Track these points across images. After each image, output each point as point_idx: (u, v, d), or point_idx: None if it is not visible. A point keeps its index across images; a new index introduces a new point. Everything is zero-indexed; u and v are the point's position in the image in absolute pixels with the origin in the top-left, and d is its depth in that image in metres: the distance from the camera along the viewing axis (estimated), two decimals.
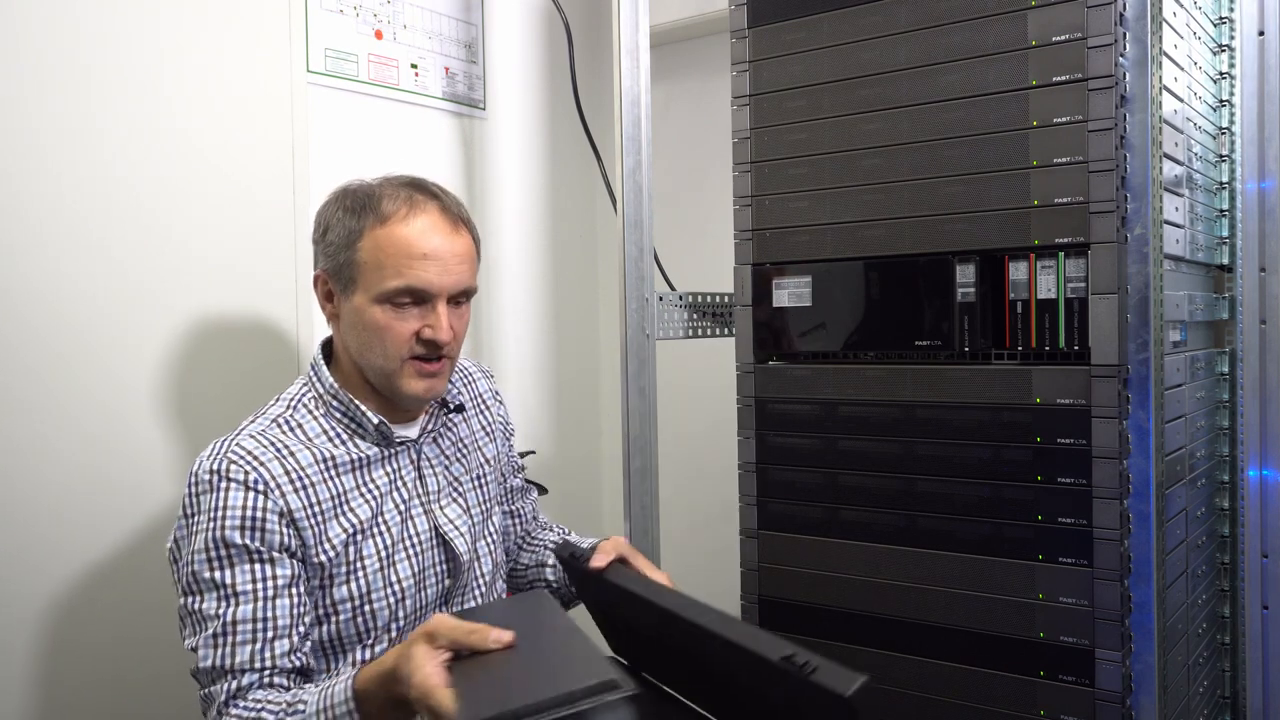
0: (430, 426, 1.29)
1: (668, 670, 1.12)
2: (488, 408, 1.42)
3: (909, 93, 1.29)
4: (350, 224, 1.21)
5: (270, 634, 1.10)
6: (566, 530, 1.52)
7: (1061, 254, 1.20)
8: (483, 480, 1.36)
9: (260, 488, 1.12)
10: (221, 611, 1.09)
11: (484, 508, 1.34)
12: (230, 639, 1.08)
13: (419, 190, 1.24)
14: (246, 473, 1.12)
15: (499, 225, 2.04)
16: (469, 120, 1.97)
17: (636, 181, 1.50)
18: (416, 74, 1.86)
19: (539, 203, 2.13)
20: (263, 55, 1.59)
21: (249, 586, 1.10)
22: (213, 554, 1.10)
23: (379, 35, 1.79)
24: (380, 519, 1.20)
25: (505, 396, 2.01)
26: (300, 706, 1.04)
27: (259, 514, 1.12)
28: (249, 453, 1.14)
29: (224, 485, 1.12)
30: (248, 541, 1.10)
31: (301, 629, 1.12)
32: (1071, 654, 1.20)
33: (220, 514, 1.11)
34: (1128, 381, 1.16)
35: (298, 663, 1.11)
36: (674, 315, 1.61)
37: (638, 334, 1.50)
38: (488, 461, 1.38)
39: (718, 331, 1.69)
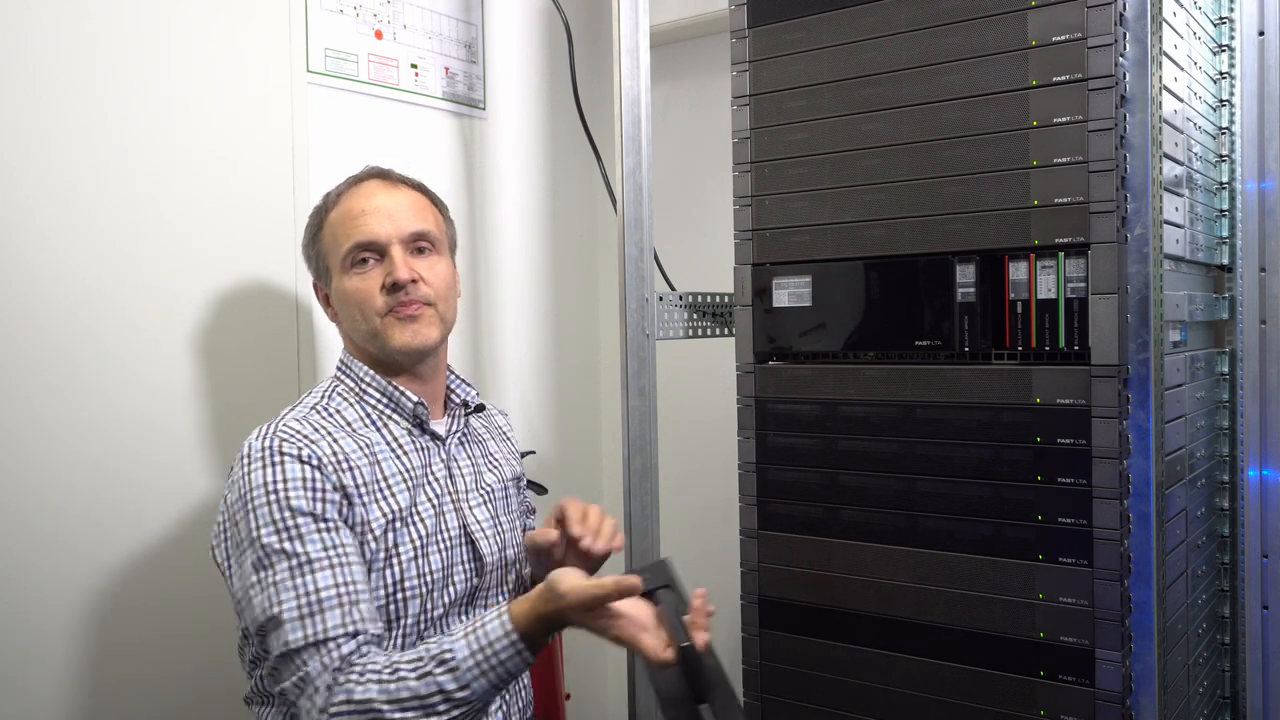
0: (455, 428, 1.32)
1: None
2: (507, 438, 1.46)
3: (909, 93, 1.29)
4: (312, 223, 1.32)
5: (353, 597, 1.09)
6: None
7: (1061, 254, 1.20)
8: (508, 494, 1.39)
9: (314, 463, 1.14)
10: (301, 581, 1.07)
11: (511, 518, 1.36)
12: (317, 607, 1.07)
13: (363, 172, 1.33)
14: (300, 449, 1.14)
15: (499, 225, 2.04)
16: (469, 120, 1.97)
17: (636, 181, 1.50)
18: (416, 74, 1.86)
19: (539, 203, 2.13)
20: (263, 55, 1.59)
21: (323, 554, 1.09)
22: (280, 525, 1.09)
23: (379, 35, 1.79)
24: (415, 510, 1.21)
25: (506, 396, 2.01)
26: (447, 656, 1.04)
27: (318, 485, 1.13)
28: (298, 432, 1.16)
29: (278, 460, 1.13)
30: (314, 509, 1.11)
31: (372, 598, 1.13)
32: (1071, 654, 1.19)
33: (281, 485, 1.11)
34: (1128, 381, 1.16)
35: (380, 631, 1.11)
36: (674, 315, 1.61)
37: (638, 334, 1.50)
38: (511, 480, 1.41)
39: (718, 331, 1.69)
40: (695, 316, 1.64)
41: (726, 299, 1.67)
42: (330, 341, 1.68)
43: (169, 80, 1.48)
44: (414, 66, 1.85)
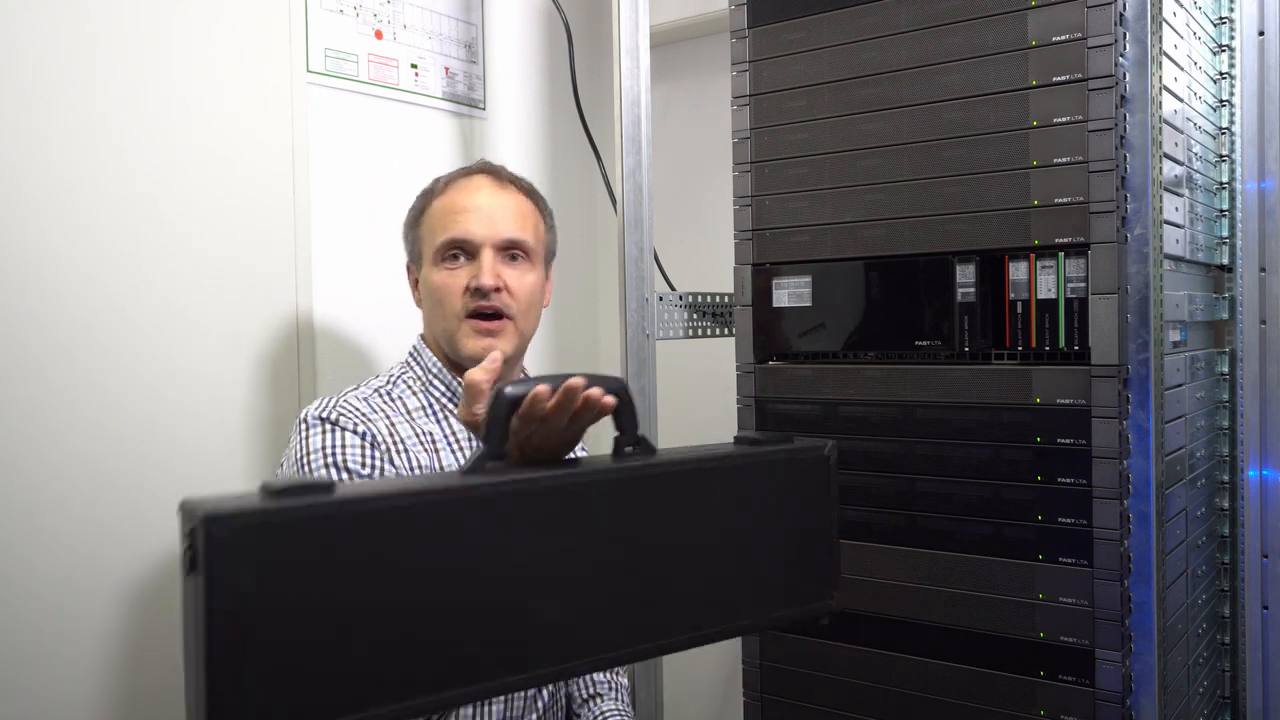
0: None
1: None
2: None
3: (909, 93, 1.29)
4: (416, 207, 1.35)
5: None
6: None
7: (1061, 254, 1.20)
8: None
9: (370, 440, 1.17)
10: None
11: None
12: None
13: (475, 165, 1.35)
14: (356, 424, 1.17)
15: None
16: (469, 120, 1.97)
17: (636, 181, 1.50)
18: (416, 74, 1.86)
19: None
20: (263, 55, 1.59)
21: None
22: (338, 479, 1.12)
23: (379, 35, 1.79)
24: None
25: None
26: None
27: (372, 457, 1.16)
28: (356, 410, 1.19)
29: (336, 430, 1.16)
30: (369, 474, 1.14)
31: None
32: (1071, 654, 1.19)
33: (339, 449, 1.15)
34: (1128, 381, 1.16)
35: None
36: (674, 315, 1.61)
37: (638, 334, 1.50)
38: None
39: (718, 331, 1.69)
40: (695, 316, 1.65)
41: (726, 299, 1.67)
42: (330, 342, 1.68)
43: (169, 80, 1.48)
44: (414, 66, 1.85)
